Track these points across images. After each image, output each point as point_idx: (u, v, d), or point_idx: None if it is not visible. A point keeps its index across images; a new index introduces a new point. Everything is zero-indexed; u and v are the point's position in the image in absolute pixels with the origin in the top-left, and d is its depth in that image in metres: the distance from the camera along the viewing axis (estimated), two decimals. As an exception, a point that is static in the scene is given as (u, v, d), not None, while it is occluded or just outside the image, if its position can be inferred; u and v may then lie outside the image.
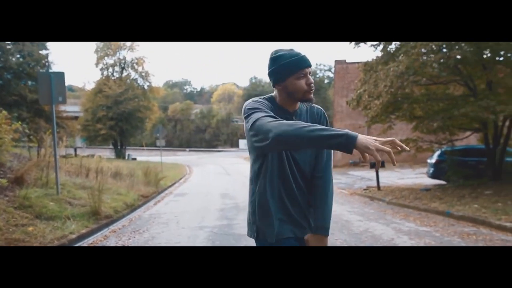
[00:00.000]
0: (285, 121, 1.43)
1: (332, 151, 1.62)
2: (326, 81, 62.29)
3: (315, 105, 1.80)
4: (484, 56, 8.52)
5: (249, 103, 1.64)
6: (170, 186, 14.14)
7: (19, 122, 8.09)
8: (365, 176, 17.89)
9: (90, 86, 38.55)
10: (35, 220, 5.92)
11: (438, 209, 7.53)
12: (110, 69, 37.74)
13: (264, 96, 1.76)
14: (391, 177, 16.91)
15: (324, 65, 59.15)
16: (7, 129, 7.89)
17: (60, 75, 7.32)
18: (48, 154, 9.02)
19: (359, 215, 7.28)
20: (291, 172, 1.68)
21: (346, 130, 1.35)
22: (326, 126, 1.67)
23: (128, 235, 6.03)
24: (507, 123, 9.56)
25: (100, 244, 5.44)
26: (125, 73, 38.41)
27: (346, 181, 15.92)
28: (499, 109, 7.03)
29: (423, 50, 7.70)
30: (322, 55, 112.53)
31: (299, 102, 1.71)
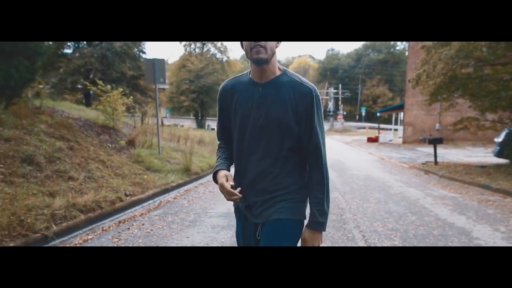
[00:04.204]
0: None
1: (322, 135, 1.60)
2: (406, 53, 59.65)
3: (306, 82, 1.60)
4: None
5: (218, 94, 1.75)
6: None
7: (131, 97, 10.37)
8: (432, 152, 18.16)
9: (173, 59, 41.95)
10: (146, 172, 8.03)
11: (481, 182, 8.28)
12: (192, 45, 40.76)
13: (237, 76, 1.72)
14: (459, 155, 17.02)
15: (404, 37, 56.42)
16: (120, 103, 10.23)
17: (161, 62, 9.30)
18: (149, 123, 11.38)
19: (403, 183, 8.39)
20: (250, 152, 1.62)
21: (217, 168, 1.64)
22: (312, 107, 1.56)
23: (212, 186, 7.90)
24: None
25: (192, 191, 7.37)
26: (205, 49, 41.19)
27: (410, 156, 16.47)
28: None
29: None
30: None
31: (277, 72, 1.61)
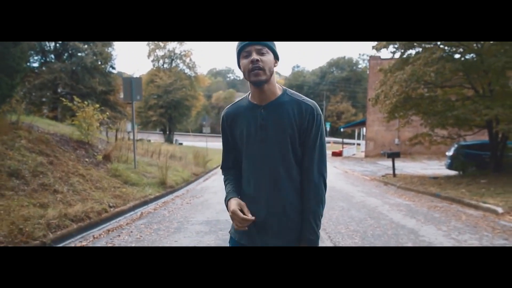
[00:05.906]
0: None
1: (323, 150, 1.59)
2: (367, 72, 62.42)
3: (307, 100, 1.59)
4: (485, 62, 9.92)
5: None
6: (215, 168, 16.54)
7: (106, 113, 10.67)
8: (391, 165, 19.38)
9: (139, 73, 41.84)
10: (124, 185, 8.38)
11: (432, 191, 9.23)
12: (161, 61, 41.00)
13: (237, 101, 1.71)
14: (416, 167, 18.27)
15: (367, 55, 59.24)
16: (95, 118, 10.50)
17: (138, 80, 9.75)
18: (122, 138, 11.69)
19: (364, 193, 9.20)
20: (260, 171, 1.58)
21: (228, 196, 1.60)
22: (314, 124, 1.54)
23: (189, 198, 8.36)
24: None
25: (170, 203, 7.79)
26: (174, 64, 41.52)
27: (372, 169, 17.53)
28: (484, 112, 8.60)
29: (426, 61, 9.33)
30: (366, 45, 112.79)
31: (278, 93, 1.59)
